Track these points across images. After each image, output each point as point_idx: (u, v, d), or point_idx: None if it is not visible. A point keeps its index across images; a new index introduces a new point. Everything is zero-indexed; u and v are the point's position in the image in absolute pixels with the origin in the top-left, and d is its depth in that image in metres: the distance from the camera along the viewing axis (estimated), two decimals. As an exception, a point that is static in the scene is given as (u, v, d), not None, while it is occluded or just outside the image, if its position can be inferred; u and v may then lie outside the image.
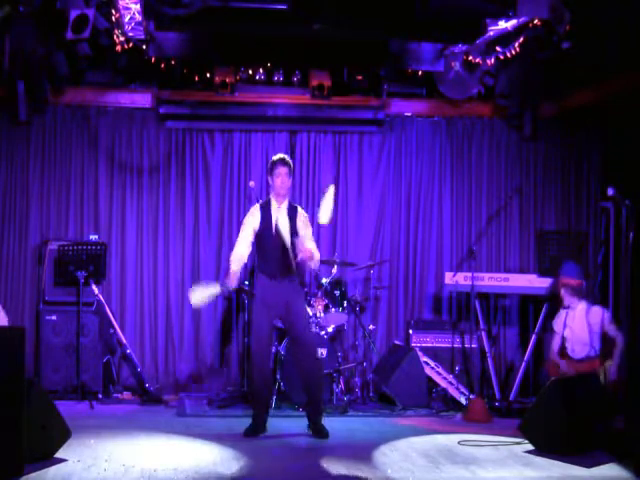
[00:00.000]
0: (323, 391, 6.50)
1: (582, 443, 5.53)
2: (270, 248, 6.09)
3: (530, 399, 7.32)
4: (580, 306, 7.00)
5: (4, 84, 7.54)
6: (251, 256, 6.34)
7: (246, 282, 7.88)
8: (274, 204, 6.16)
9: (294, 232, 6.08)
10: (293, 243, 6.03)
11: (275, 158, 6.21)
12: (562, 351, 7.01)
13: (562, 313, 7.12)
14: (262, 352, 6.12)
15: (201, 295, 6.14)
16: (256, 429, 6.12)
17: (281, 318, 6.26)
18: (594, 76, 7.81)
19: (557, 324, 7.11)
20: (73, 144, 8.25)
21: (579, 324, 6.93)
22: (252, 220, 6.15)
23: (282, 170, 6.11)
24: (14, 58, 7.24)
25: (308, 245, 6.05)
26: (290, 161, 6.24)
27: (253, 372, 6.20)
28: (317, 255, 6.12)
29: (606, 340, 6.85)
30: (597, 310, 6.93)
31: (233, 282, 6.03)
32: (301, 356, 6.18)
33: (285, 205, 6.17)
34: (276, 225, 6.08)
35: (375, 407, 7.42)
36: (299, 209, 6.23)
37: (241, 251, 6.13)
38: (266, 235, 6.10)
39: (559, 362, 6.92)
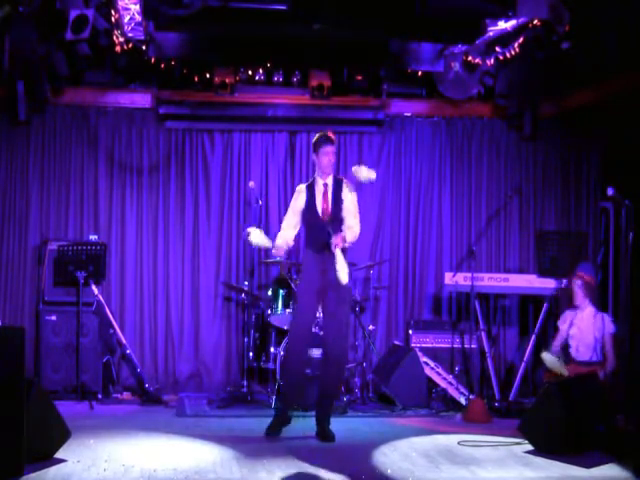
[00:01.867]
0: (338, 397, 6.43)
1: (581, 443, 5.52)
2: (316, 224, 6.08)
3: (530, 399, 7.33)
4: (589, 309, 7.00)
5: (4, 84, 7.54)
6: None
7: (246, 282, 7.89)
8: (319, 180, 6.17)
9: (339, 205, 6.10)
10: (338, 218, 6.07)
11: (322, 135, 6.18)
12: (565, 351, 7.01)
13: (569, 313, 7.11)
14: (301, 334, 6.07)
15: (258, 238, 6.11)
16: (278, 427, 6.04)
17: (322, 302, 6.14)
18: (594, 76, 7.81)
19: (562, 322, 7.09)
20: (73, 144, 8.25)
21: (586, 326, 6.93)
22: (296, 202, 6.18)
23: (330, 149, 6.11)
24: (14, 58, 7.23)
25: (350, 221, 6.10)
26: (335, 138, 6.23)
27: (288, 358, 6.13)
28: (356, 230, 6.14)
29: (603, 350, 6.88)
30: (603, 317, 6.93)
31: (280, 252, 6.08)
32: (326, 360, 6.13)
33: (330, 180, 6.17)
34: (323, 200, 6.10)
35: (375, 407, 7.41)
36: (344, 180, 6.23)
37: (286, 235, 6.13)
38: (313, 211, 6.10)
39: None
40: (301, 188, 6.23)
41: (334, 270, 5.91)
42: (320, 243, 6.04)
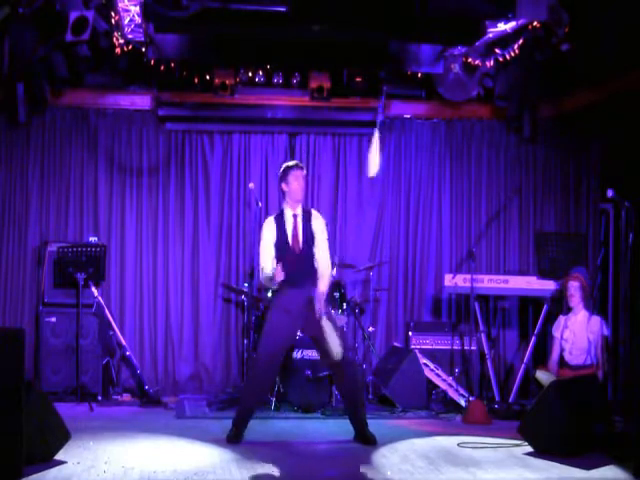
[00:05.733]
0: (363, 397, 6.35)
1: (581, 445, 5.52)
2: (289, 257, 5.93)
3: (529, 401, 7.32)
4: (582, 312, 7.01)
5: (3, 86, 7.54)
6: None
7: (245, 284, 7.88)
8: (288, 211, 6.06)
9: (310, 236, 6.00)
10: (310, 249, 5.97)
11: (290, 163, 6.13)
12: (560, 357, 7.02)
13: (562, 318, 7.12)
14: (272, 360, 5.92)
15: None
16: (238, 435, 5.93)
17: (304, 330, 6.09)
18: (593, 77, 7.81)
19: (557, 329, 7.10)
20: (73, 146, 8.25)
21: (580, 329, 6.93)
22: (268, 234, 6.01)
23: (299, 173, 6.02)
24: (14, 60, 7.24)
25: (321, 257, 5.98)
26: (304, 165, 6.21)
27: (255, 377, 6.00)
28: (328, 272, 6.02)
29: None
30: (597, 320, 6.93)
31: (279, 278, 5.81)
32: (341, 374, 6.01)
33: (299, 210, 6.07)
34: (293, 233, 5.98)
35: (375, 409, 7.39)
36: (313, 212, 6.14)
37: (268, 268, 5.91)
38: (284, 244, 5.98)
39: (555, 374, 6.91)
40: (270, 220, 6.09)
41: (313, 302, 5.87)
42: (295, 276, 5.88)
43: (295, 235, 5.99)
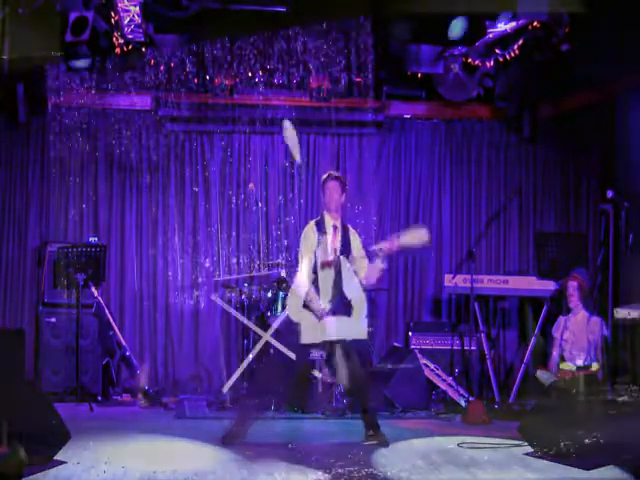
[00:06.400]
0: (370, 399, 6.25)
1: (581, 445, 5.51)
2: (322, 267, 5.88)
3: (529, 401, 7.32)
4: (581, 313, 7.01)
5: (3, 86, 7.54)
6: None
7: (245, 284, 7.88)
8: (328, 220, 6.00)
9: (348, 251, 5.95)
10: (343, 263, 5.91)
11: (325, 175, 6.08)
12: (560, 358, 7.02)
13: (561, 319, 7.12)
14: (283, 365, 5.88)
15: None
16: (238, 436, 5.86)
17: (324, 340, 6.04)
18: (593, 77, 7.81)
19: (556, 330, 7.10)
20: (72, 146, 8.25)
21: (579, 330, 6.94)
22: (308, 242, 5.93)
23: (330, 184, 5.98)
24: (13, 60, 7.23)
25: (360, 263, 5.92)
26: (341, 176, 6.11)
27: (262, 379, 6.03)
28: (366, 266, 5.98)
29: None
30: (597, 321, 6.94)
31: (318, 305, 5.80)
32: (352, 370, 5.97)
33: (339, 222, 6.01)
34: (331, 245, 5.92)
35: (374, 409, 7.40)
36: (350, 229, 6.09)
37: (305, 282, 5.85)
38: (319, 253, 5.91)
39: (555, 374, 6.92)
40: (312, 225, 6.02)
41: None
42: (324, 289, 5.85)
43: (333, 248, 5.93)
